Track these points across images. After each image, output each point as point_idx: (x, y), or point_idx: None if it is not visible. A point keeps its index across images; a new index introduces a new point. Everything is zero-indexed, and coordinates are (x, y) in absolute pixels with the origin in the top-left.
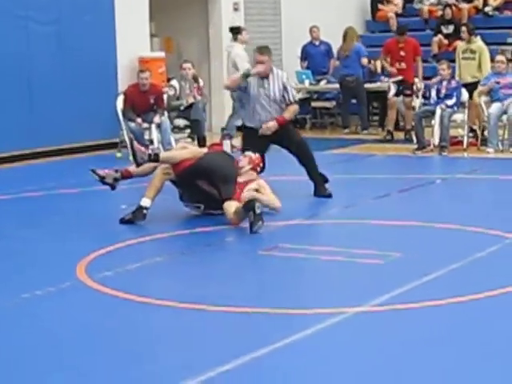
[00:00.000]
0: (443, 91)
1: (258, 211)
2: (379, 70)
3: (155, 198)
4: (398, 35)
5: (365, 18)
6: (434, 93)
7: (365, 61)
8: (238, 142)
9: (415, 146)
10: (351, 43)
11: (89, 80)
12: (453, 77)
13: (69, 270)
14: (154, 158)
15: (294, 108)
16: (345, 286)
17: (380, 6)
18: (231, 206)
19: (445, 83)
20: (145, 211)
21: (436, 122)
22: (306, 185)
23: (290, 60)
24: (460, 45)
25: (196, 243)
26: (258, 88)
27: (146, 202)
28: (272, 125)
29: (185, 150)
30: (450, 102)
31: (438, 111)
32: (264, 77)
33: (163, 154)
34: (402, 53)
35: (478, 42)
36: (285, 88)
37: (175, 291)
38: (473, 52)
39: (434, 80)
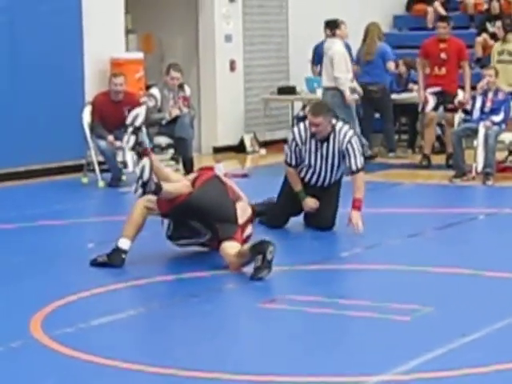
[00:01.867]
0: (488, 104)
1: (269, 257)
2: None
3: (135, 238)
4: (440, 21)
5: (393, 12)
6: (478, 105)
7: (391, 65)
8: (235, 166)
9: (453, 173)
10: (373, 44)
11: (48, 87)
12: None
13: (21, 324)
14: (156, 190)
15: (362, 180)
16: (363, 348)
17: None
18: (232, 247)
19: (490, 95)
20: (123, 255)
21: (479, 143)
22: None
23: (298, 63)
24: (495, 45)
25: (180, 293)
26: (315, 153)
27: (124, 243)
28: (359, 218)
29: (178, 182)
30: (496, 119)
31: (482, 130)
32: (323, 140)
33: (165, 187)
34: (443, 55)
35: None
36: (347, 154)
37: (150, 354)
38: (510, 54)
39: (480, 86)
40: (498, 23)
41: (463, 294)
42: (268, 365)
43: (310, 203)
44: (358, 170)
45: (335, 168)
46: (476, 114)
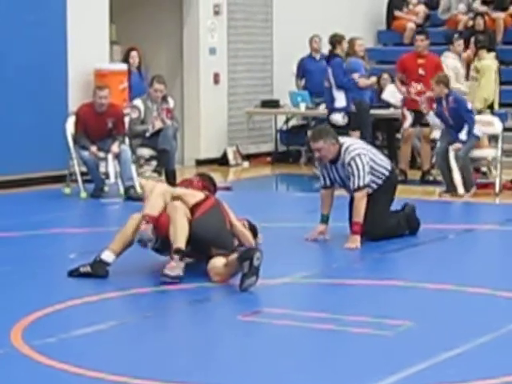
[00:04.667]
0: (446, 114)
1: (256, 263)
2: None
3: (122, 253)
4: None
5: (377, 28)
6: (435, 119)
7: (355, 78)
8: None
9: (439, 189)
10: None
11: (31, 97)
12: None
13: (2, 333)
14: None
15: (360, 200)
16: (342, 363)
17: (397, 14)
18: (220, 261)
19: (444, 103)
20: (107, 267)
21: (453, 167)
22: (302, 233)
23: (282, 77)
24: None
25: (163, 304)
26: (332, 173)
27: (108, 256)
28: (354, 242)
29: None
30: (463, 136)
31: (452, 154)
32: (333, 161)
33: (183, 242)
34: (421, 71)
35: (486, 60)
36: (349, 173)
37: (131, 365)
38: (477, 71)
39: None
40: (471, 39)
41: (445, 309)
42: (245, 379)
43: (314, 231)
44: (354, 190)
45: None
46: (439, 126)
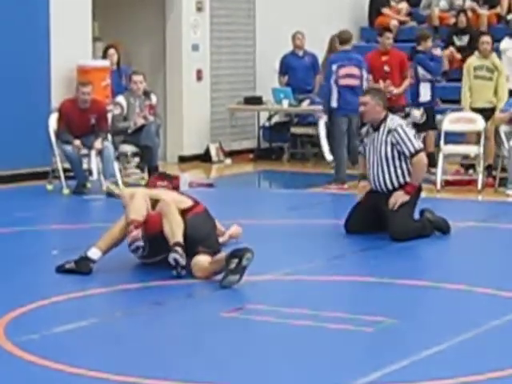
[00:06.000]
0: None
1: (244, 262)
2: None
3: (108, 251)
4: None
5: (360, 25)
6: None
7: None
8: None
9: None
10: (325, 56)
11: (14, 93)
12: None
13: None
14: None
15: (421, 163)
16: (324, 359)
17: (384, 11)
18: (205, 259)
19: None
20: (91, 264)
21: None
22: (284, 230)
23: (265, 74)
24: (471, 60)
25: (145, 300)
26: (369, 146)
27: (94, 253)
28: (399, 197)
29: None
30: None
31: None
32: (376, 127)
33: (180, 237)
34: (386, 67)
35: (496, 59)
36: (397, 143)
37: (113, 361)
38: (490, 70)
39: None
40: (466, 37)
41: (427, 306)
42: (227, 375)
43: (360, 189)
44: (412, 154)
45: (388, 162)
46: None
